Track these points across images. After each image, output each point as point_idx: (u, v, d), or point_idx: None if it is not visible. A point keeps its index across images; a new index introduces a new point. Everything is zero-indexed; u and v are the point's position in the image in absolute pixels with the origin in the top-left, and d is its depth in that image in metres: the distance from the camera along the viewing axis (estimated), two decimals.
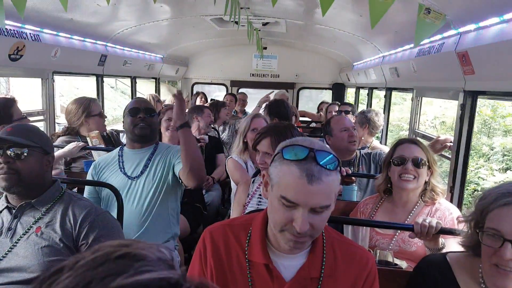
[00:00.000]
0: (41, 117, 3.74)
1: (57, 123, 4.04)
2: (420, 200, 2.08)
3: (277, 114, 3.55)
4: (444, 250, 1.72)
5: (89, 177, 2.41)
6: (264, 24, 4.90)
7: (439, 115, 12.47)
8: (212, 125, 4.49)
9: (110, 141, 3.51)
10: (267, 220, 1.25)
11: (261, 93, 7.61)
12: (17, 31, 2.93)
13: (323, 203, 1.12)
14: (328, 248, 1.26)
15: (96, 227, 1.60)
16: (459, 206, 2.61)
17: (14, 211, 1.63)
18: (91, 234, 1.58)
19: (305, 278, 1.21)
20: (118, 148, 2.47)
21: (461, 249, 1.44)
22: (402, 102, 12.80)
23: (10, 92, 15.52)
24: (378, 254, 1.81)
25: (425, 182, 2.07)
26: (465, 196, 2.76)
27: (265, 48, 6.77)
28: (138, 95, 5.87)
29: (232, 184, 2.91)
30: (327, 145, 1.24)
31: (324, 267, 1.23)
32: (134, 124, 2.34)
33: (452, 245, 1.76)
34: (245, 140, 2.87)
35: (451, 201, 2.63)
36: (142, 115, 2.34)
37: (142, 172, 2.32)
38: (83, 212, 1.62)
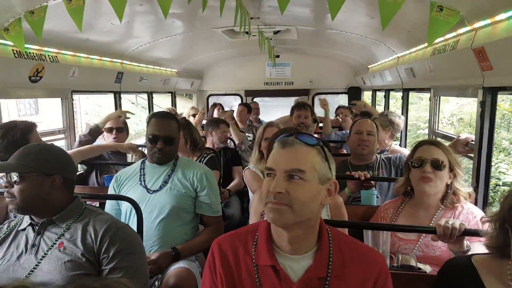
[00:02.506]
0: (62, 136, 3.84)
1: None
2: (441, 204, 2.02)
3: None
4: (469, 253, 1.66)
5: (110, 188, 2.47)
6: (275, 33, 4.92)
7: (456, 112, 12.26)
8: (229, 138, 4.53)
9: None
10: None
11: (277, 101, 7.69)
12: (36, 53, 3.03)
13: (294, 166, 1.21)
14: (335, 248, 1.27)
15: (116, 241, 1.62)
16: (484, 206, 2.52)
17: (37, 227, 1.68)
18: (112, 248, 1.60)
19: (312, 278, 1.23)
20: (140, 161, 2.52)
21: (487, 251, 1.39)
22: (419, 102, 12.61)
23: (38, 111, 16.15)
24: (400, 259, 1.77)
25: (447, 186, 2.01)
26: None
27: (278, 56, 6.79)
28: (155, 108, 5.97)
29: (250, 194, 2.90)
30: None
31: (331, 267, 1.24)
32: (152, 152, 2.39)
33: (478, 248, 1.70)
34: (260, 149, 2.88)
35: (476, 202, 2.54)
36: (160, 145, 2.36)
37: (161, 187, 2.36)
38: (103, 227, 1.64)
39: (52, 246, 1.63)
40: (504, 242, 1.29)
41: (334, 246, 1.27)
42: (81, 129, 14.82)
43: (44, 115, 15.86)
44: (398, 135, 4.31)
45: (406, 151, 3.58)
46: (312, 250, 1.27)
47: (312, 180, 1.22)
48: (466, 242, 1.71)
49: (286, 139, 1.27)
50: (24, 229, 1.70)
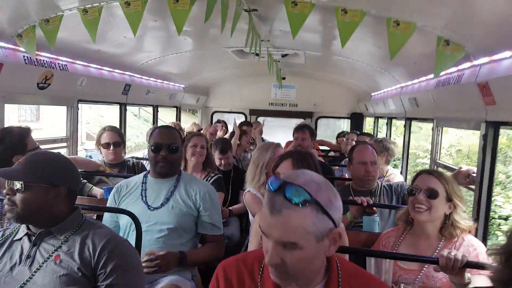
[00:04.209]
0: (65, 144, 3.84)
1: (84, 149, 4.16)
2: (440, 234, 2.02)
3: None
4: (470, 286, 1.65)
5: (110, 200, 2.41)
6: (284, 56, 5.00)
7: (454, 143, 12.37)
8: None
9: (134, 170, 3.56)
10: None
11: (280, 122, 7.73)
12: (46, 61, 3.07)
13: (285, 239, 1.09)
14: (344, 283, 1.21)
15: (115, 257, 1.57)
16: (484, 239, 2.52)
17: (33, 238, 1.63)
18: (110, 264, 1.56)
19: None
20: (142, 174, 2.46)
21: (488, 284, 1.38)
22: (418, 131, 12.74)
23: (40, 118, 16.18)
24: None
25: (446, 216, 2.01)
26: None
27: (284, 78, 6.88)
28: (159, 122, 6.00)
29: (250, 217, 2.86)
30: (317, 181, 1.17)
31: None
32: (156, 161, 2.34)
33: (478, 281, 1.69)
34: (266, 172, 2.83)
35: (476, 234, 2.54)
36: (164, 153, 2.31)
37: (162, 204, 2.31)
38: (102, 241, 1.59)
39: (48, 258, 1.57)
40: (509, 276, 1.28)
41: (343, 280, 1.22)
42: (80, 139, 14.83)
43: (45, 122, 15.85)
44: (393, 160, 4.36)
45: (401, 178, 3.64)
46: (320, 284, 1.22)
47: (308, 245, 1.11)
48: (467, 274, 1.70)
49: (274, 201, 1.11)
50: (20, 239, 1.65)
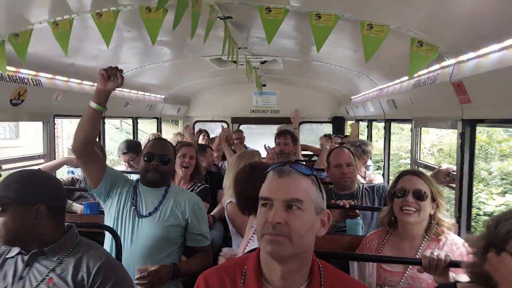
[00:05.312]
0: (42, 161, 3.73)
1: (66, 165, 4.03)
2: (426, 235, 2.02)
3: None
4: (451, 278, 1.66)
5: (111, 170, 2.39)
6: (262, 63, 5.01)
7: (436, 143, 12.63)
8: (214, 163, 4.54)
9: None
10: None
11: (262, 129, 7.73)
12: (18, 76, 2.98)
13: (294, 196, 1.20)
14: (326, 283, 1.25)
15: (109, 280, 1.55)
16: None
17: (26, 258, 1.58)
18: (104, 287, 1.54)
19: None
20: (134, 180, 2.48)
21: None
22: (400, 132, 12.96)
23: (19, 135, 15.74)
24: None
25: (430, 216, 2.02)
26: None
27: (264, 85, 6.90)
28: (140, 134, 5.91)
29: (231, 228, 2.81)
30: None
31: None
32: (146, 170, 2.36)
33: (463, 279, 1.69)
34: None
35: (459, 232, 2.55)
36: (155, 162, 2.35)
37: (150, 214, 2.31)
38: (97, 264, 1.57)
39: (42, 281, 1.54)
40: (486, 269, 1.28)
41: (325, 281, 1.25)
42: (62, 154, 14.50)
43: (25, 139, 15.49)
44: (369, 157, 4.43)
45: (381, 179, 3.68)
46: (303, 286, 1.24)
47: (309, 210, 1.22)
48: (452, 274, 1.71)
49: (282, 168, 1.26)
50: (12, 257, 1.61)
